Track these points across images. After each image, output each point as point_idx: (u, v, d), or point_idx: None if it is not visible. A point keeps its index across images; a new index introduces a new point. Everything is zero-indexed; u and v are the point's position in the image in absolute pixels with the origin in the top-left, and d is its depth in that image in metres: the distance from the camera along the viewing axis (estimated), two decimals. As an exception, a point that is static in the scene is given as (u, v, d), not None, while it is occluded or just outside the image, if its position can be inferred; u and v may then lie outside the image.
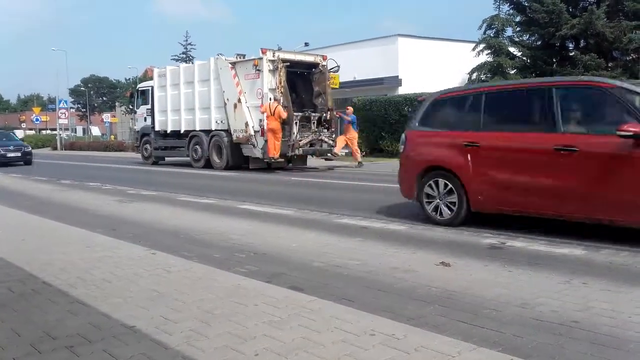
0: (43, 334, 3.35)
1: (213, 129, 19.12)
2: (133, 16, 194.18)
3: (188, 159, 20.83)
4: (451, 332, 3.47)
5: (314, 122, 18.03)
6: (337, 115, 19.40)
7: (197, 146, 20.00)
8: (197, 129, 19.84)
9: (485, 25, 27.57)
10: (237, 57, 18.69)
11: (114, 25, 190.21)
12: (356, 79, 29.93)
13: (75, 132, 75.27)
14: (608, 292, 4.27)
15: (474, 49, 27.65)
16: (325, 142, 18.28)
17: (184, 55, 61.87)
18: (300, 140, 17.41)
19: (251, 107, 17.62)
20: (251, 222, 7.96)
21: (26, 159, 24.94)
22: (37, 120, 54.94)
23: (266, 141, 17.05)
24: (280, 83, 16.94)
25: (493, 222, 7.11)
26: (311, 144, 17.99)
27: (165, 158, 23.44)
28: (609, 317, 3.70)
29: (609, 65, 25.11)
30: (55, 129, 54.74)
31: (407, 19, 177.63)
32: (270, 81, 17.07)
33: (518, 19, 27.92)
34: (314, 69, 18.49)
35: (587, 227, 6.41)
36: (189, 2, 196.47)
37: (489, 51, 27.19)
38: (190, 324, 3.49)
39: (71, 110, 49.78)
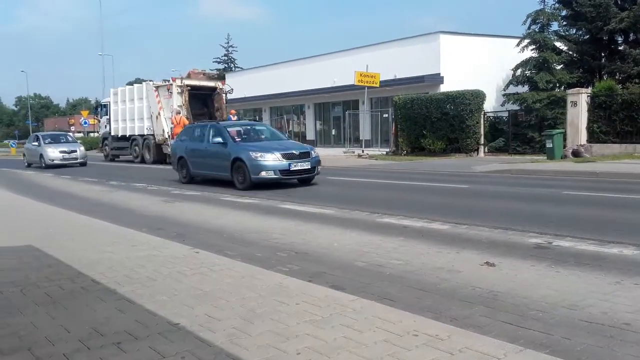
0: (92, 331, 3.44)
1: (145, 134, 25.83)
2: (177, 19, 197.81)
3: (130, 157, 27.51)
4: (496, 333, 3.40)
5: None
6: (231, 113, 25.55)
7: (135, 147, 27.00)
8: (136, 134, 26.65)
9: (529, 20, 26.90)
10: (162, 82, 24.92)
11: (158, 29, 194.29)
12: (397, 77, 29.69)
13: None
14: (662, 294, 4.10)
15: (518, 45, 27.01)
16: None
17: (226, 57, 62.58)
18: None
19: (167, 118, 23.98)
20: (292, 222, 8.00)
21: None
22: (85, 123, 56.34)
23: None
24: (185, 101, 23.78)
25: (536, 221, 6.94)
26: None
27: (120, 156, 29.62)
28: (663, 320, 3.56)
29: (661, 58, 24.18)
30: (103, 132, 55.93)
31: (446, 16, 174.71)
32: (178, 100, 23.69)
33: (564, 13, 27.17)
34: (215, 91, 25.65)
35: (638, 227, 6.18)
36: (231, 5, 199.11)
37: (534, 46, 26.52)
38: (234, 322, 3.52)
39: (118, 113, 51.18)
